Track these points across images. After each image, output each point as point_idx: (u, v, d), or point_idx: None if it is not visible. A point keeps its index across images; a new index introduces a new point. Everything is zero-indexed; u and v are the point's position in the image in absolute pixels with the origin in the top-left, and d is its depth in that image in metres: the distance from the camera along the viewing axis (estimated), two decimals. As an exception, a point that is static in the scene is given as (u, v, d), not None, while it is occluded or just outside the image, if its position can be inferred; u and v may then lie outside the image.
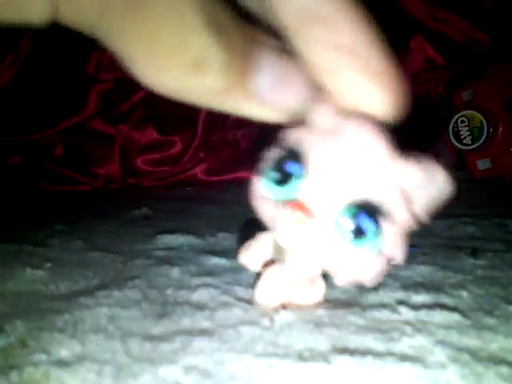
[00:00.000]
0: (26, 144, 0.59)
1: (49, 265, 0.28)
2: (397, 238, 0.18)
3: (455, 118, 0.55)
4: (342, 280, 0.19)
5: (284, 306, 0.21)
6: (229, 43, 0.17)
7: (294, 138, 0.18)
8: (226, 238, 0.34)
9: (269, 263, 0.21)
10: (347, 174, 0.17)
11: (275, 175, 0.18)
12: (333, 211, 0.17)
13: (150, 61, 0.16)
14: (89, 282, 0.26)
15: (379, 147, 0.17)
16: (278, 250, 0.20)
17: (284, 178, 0.18)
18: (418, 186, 0.17)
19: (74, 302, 0.23)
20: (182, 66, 0.16)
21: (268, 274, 0.21)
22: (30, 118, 0.60)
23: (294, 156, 0.18)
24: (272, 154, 0.19)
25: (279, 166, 0.18)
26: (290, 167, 0.18)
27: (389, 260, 0.18)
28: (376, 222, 0.17)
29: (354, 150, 0.17)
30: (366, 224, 0.17)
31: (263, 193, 0.18)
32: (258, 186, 0.19)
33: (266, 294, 0.22)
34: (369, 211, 0.17)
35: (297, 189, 0.18)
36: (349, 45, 0.17)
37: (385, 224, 0.17)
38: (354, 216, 0.17)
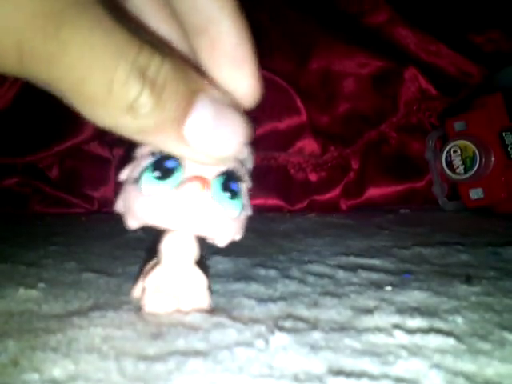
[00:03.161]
0: (21, 165, 0.59)
1: (42, 285, 0.28)
2: (246, 191, 0.24)
3: (448, 147, 0.56)
4: (222, 241, 0.23)
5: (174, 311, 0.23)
6: (164, 85, 0.18)
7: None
8: (219, 262, 0.34)
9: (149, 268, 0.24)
10: None
11: (157, 173, 0.22)
12: (211, 183, 0.22)
13: (82, 104, 0.18)
14: (83, 302, 0.26)
15: None
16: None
17: (165, 174, 0.22)
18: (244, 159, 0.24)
19: (67, 322, 0.23)
20: (114, 109, 0.17)
21: (151, 280, 0.24)
22: (25, 140, 0.60)
23: (169, 156, 0.22)
24: (144, 160, 0.23)
25: (159, 165, 0.22)
26: (169, 164, 0.22)
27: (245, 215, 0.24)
28: (237, 183, 0.23)
29: None
30: (235, 186, 0.22)
31: (148, 192, 0.22)
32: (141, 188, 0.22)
33: (152, 302, 0.23)
34: (232, 178, 0.22)
35: (178, 180, 0.22)
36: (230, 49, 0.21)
37: (241, 184, 0.23)
38: (226, 183, 0.22)
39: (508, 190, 0.53)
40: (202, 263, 0.25)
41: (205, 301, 0.24)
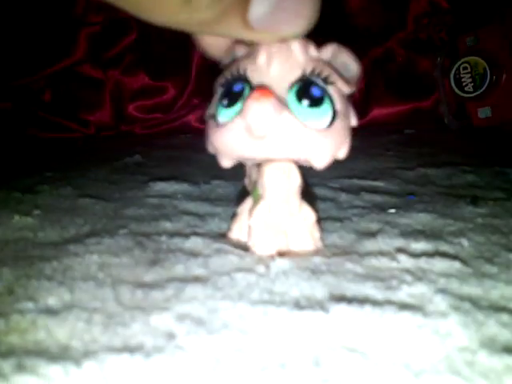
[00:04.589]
0: (14, 89, 0.57)
1: (38, 212, 0.27)
2: (342, 97, 0.20)
3: (458, 64, 0.53)
4: (319, 161, 0.20)
5: (281, 254, 0.21)
6: None
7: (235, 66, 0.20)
8: (220, 186, 0.33)
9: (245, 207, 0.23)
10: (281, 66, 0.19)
11: (225, 101, 0.20)
12: (284, 92, 0.19)
13: (141, 3, 0.17)
14: (79, 229, 0.25)
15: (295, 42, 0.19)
16: (256, 193, 0.22)
17: (233, 99, 0.19)
18: (330, 58, 0.20)
19: (63, 249, 0.22)
20: (172, 5, 0.17)
21: (257, 220, 0.21)
22: (16, 63, 0.57)
23: (237, 78, 0.20)
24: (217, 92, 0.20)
25: (227, 92, 0.20)
26: (236, 87, 0.20)
27: (348, 125, 0.20)
28: (320, 87, 0.19)
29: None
30: (317, 91, 0.19)
31: (223, 123, 0.20)
32: (217, 118, 0.20)
33: (261, 242, 0.21)
34: (312, 82, 0.19)
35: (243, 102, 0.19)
36: None
37: (327, 86, 0.19)
38: (303, 89, 0.19)
39: (518, 109, 0.51)
40: (307, 193, 0.22)
41: (309, 243, 0.22)
